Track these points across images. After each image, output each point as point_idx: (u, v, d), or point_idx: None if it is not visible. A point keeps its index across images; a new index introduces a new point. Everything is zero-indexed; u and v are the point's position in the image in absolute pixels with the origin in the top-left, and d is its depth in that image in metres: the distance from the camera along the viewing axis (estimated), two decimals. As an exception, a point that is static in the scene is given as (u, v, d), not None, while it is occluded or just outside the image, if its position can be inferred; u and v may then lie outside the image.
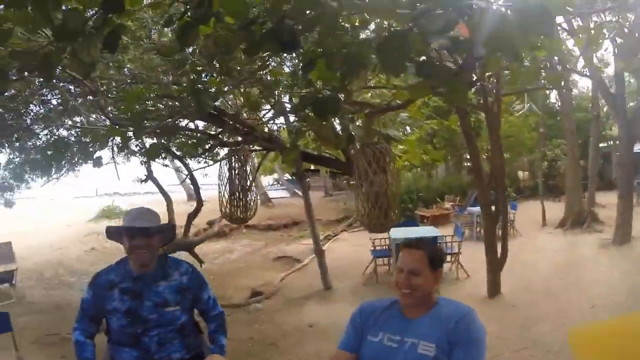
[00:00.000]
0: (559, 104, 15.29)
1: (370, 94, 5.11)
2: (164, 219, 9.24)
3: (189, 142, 6.08)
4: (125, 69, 3.92)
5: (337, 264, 7.90)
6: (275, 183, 35.90)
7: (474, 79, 3.33)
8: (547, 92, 14.46)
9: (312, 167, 15.74)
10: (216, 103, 4.02)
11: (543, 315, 4.82)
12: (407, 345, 1.69)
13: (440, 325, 1.68)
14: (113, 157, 8.67)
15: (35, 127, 6.27)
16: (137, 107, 3.04)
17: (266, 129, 5.11)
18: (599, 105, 11.62)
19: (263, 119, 5.32)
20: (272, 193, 18.40)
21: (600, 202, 11.68)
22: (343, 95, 3.09)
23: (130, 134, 3.34)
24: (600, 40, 4.53)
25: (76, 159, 6.71)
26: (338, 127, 4.07)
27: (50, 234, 13.10)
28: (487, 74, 4.47)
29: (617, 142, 16.22)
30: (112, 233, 2.27)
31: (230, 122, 4.51)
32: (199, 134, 5.82)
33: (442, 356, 1.63)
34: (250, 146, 5.11)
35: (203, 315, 2.38)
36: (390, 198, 3.48)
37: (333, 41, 2.13)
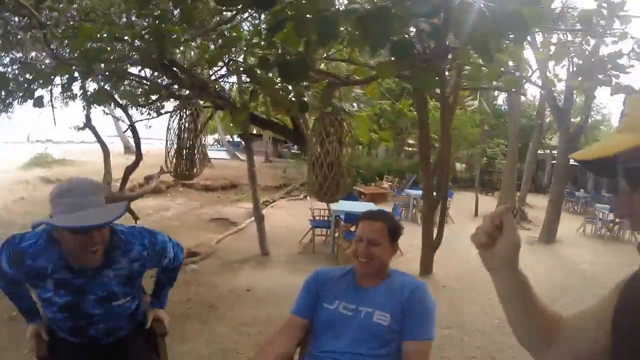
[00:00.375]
0: (506, 106, 16.14)
1: (326, 66, 5.10)
2: (100, 171, 8.83)
3: (138, 91, 5.78)
4: (80, 2, 3.66)
5: (274, 231, 7.92)
6: (215, 143, 35.21)
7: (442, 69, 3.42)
8: (498, 94, 15.20)
9: (255, 132, 15.58)
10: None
11: (471, 298, 5.13)
12: (362, 314, 1.73)
13: (395, 296, 1.74)
14: (51, 100, 8.13)
15: None
16: (90, 45, 2.82)
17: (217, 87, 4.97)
18: (544, 115, 12.39)
19: (216, 76, 5.18)
20: (211, 154, 17.82)
21: (530, 203, 12.53)
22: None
23: (78, 74, 3.13)
24: (565, 57, 4.83)
25: (11, 99, 6.22)
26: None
27: None
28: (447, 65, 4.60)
29: (554, 151, 17.50)
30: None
31: (182, 76, 4.34)
32: (148, 84, 5.52)
33: (395, 325, 1.69)
34: (202, 102, 4.98)
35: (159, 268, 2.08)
36: (344, 169, 3.53)
37: (309, 6, 2.10)
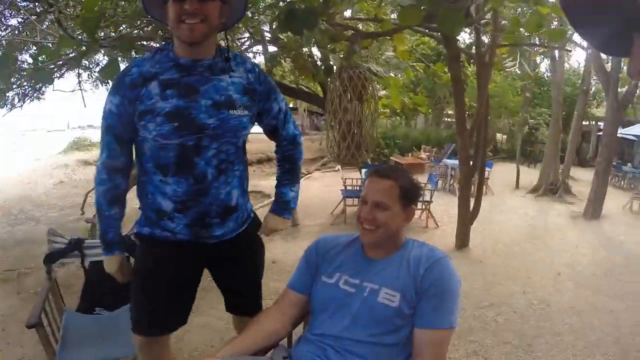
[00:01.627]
0: (549, 74, 15.19)
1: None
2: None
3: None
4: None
5: (306, 203, 7.80)
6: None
7: (468, 8, 3.06)
8: (539, 59, 14.29)
9: (291, 105, 15.42)
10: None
11: (509, 275, 4.80)
12: (366, 291, 1.39)
13: (408, 271, 1.38)
14: (79, 83, 8.19)
15: None
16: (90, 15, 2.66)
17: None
18: (589, 80, 11.55)
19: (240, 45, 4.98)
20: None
21: (574, 176, 11.82)
22: (325, 19, 2.81)
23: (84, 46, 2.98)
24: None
25: (32, 83, 6.26)
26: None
27: (19, 169, 12.69)
28: (482, 21, 4.20)
29: (600, 123, 16.42)
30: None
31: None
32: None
33: (406, 308, 1.34)
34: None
35: (272, 136, 1.77)
36: (365, 129, 3.23)
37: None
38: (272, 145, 1.85)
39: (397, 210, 1.42)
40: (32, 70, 4.02)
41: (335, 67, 3.26)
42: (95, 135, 18.08)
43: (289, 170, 1.84)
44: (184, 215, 1.57)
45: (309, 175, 12.10)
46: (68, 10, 3.73)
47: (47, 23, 4.40)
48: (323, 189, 9.70)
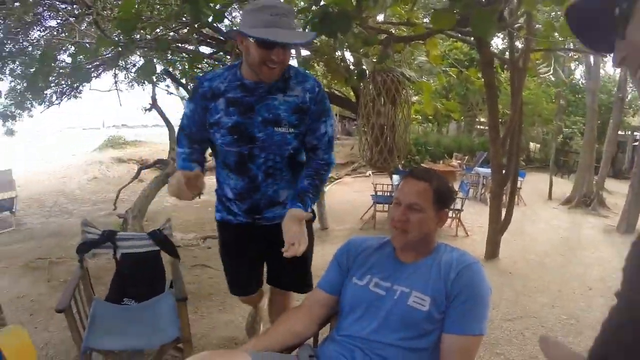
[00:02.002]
0: (584, 80, 14.71)
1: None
2: (166, 151, 9.10)
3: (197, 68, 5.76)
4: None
5: (336, 207, 7.77)
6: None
7: (502, 12, 2.99)
8: (574, 65, 13.87)
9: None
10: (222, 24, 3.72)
11: (539, 288, 4.65)
12: (396, 294, 1.40)
13: (439, 275, 1.38)
14: (115, 83, 8.46)
15: (35, 52, 6.07)
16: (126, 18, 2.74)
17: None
18: (625, 88, 11.08)
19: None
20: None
21: (609, 188, 11.41)
22: (358, 22, 2.80)
23: (121, 47, 3.07)
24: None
25: (70, 82, 6.50)
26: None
27: (54, 164, 13.11)
28: (515, 25, 4.12)
29: (636, 133, 15.77)
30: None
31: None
32: (190, 55, 5.41)
33: (436, 313, 1.34)
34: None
35: (311, 153, 1.93)
36: (398, 134, 3.20)
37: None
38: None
39: (430, 213, 1.42)
40: (71, 70, 4.17)
41: (367, 71, 3.24)
42: (129, 134, 18.60)
43: (314, 185, 1.91)
44: (242, 204, 1.97)
45: (339, 180, 12.09)
46: (105, 12, 3.86)
47: (84, 25, 4.55)
48: (353, 194, 9.67)
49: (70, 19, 4.45)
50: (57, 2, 4.70)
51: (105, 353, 2.19)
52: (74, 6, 4.54)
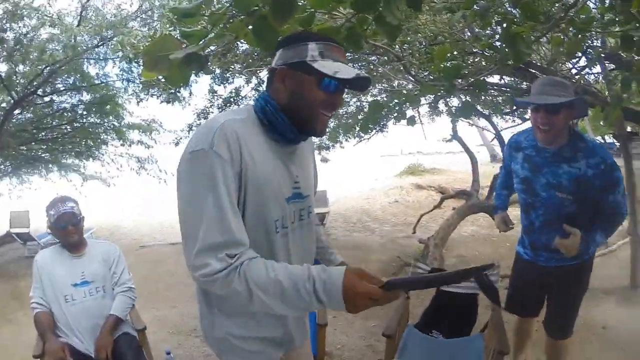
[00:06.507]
0: None
1: None
2: (468, 179, 9.22)
3: (499, 99, 5.78)
4: (424, 30, 4.00)
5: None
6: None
7: None
8: None
9: (629, 129, 12.51)
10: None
11: None
12: None
13: None
14: (419, 117, 9.21)
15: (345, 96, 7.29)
16: (446, 64, 3.02)
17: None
18: None
19: (577, 69, 4.54)
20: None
21: None
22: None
23: (443, 91, 3.38)
24: None
25: (386, 120, 7.42)
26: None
27: (359, 186, 14.82)
28: None
29: None
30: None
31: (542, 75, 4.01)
32: (508, 90, 5.42)
33: None
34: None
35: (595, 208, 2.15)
36: None
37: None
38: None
39: None
40: (395, 112, 4.82)
41: None
42: (426, 161, 19.61)
43: (601, 225, 2.14)
44: (528, 240, 2.37)
45: None
46: (413, 59, 4.31)
47: (390, 71, 5.14)
48: None
49: (386, 67, 5.10)
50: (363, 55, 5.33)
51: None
52: (382, 57, 5.14)
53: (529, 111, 2.12)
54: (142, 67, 1.73)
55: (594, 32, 3.44)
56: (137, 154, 10.23)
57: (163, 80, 4.56)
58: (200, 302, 1.42)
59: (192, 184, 1.17)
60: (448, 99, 6.67)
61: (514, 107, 6.32)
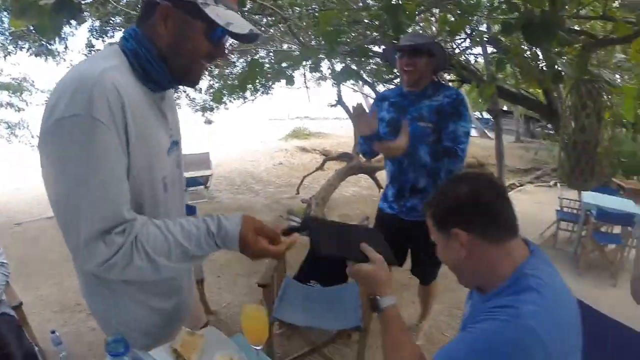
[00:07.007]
0: None
1: (579, 27, 4.30)
2: (351, 143, 9.57)
3: (382, 68, 6.07)
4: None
5: (515, 217, 7.18)
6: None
7: None
8: None
9: (505, 108, 14.17)
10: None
11: None
12: None
13: None
14: (305, 81, 9.34)
15: (232, 56, 7.09)
16: (330, 29, 3.10)
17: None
18: None
19: (460, 48, 4.98)
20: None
21: None
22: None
23: (324, 55, 3.48)
24: None
25: (267, 81, 7.38)
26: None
27: (244, 149, 14.55)
28: None
29: None
30: (386, 50, 2.65)
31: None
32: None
33: None
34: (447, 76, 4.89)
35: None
36: (602, 151, 2.99)
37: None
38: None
39: (440, 242, 1.21)
40: (273, 73, 4.83)
41: (564, 75, 3.02)
42: (312, 126, 19.91)
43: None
44: (395, 188, 2.59)
45: (521, 187, 11.12)
46: (300, 22, 4.33)
47: (277, 32, 5.12)
48: (534, 206, 8.80)
49: (270, 30, 5.06)
50: (250, 14, 5.27)
51: (288, 326, 2.54)
52: (270, 18, 5.08)
53: (397, 61, 2.37)
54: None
55: (479, 17, 3.73)
56: (7, 119, 8.96)
57: (34, 30, 4.12)
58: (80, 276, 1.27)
59: (64, 163, 0.96)
60: (333, 64, 6.82)
61: (391, 78, 6.74)
